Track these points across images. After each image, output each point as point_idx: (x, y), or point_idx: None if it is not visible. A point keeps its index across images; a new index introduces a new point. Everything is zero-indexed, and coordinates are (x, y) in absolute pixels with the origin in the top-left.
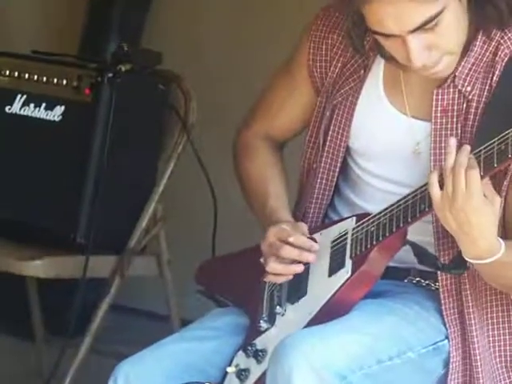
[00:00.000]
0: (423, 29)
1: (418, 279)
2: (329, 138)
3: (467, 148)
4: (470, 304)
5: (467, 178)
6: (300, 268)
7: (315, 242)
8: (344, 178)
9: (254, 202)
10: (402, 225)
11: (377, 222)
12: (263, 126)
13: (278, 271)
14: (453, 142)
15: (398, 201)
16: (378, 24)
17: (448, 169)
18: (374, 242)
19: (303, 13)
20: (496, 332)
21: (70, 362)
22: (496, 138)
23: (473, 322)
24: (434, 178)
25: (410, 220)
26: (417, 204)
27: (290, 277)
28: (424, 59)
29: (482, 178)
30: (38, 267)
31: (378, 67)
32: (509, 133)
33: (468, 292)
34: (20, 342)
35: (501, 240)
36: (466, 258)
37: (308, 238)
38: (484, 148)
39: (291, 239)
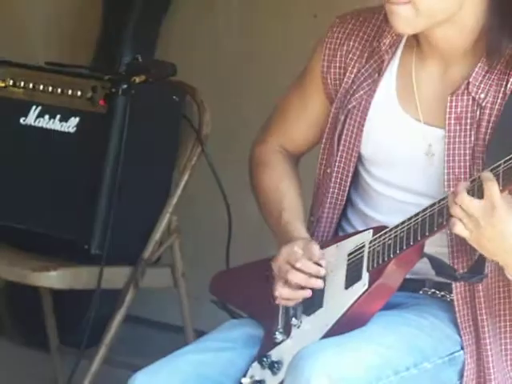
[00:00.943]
0: None
1: (433, 290)
2: (342, 142)
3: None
4: (484, 311)
5: (486, 191)
6: (307, 293)
7: (322, 267)
8: (356, 188)
9: (269, 215)
10: (419, 238)
11: (394, 234)
12: (278, 139)
13: (285, 296)
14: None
15: (416, 214)
16: None
17: (450, 202)
18: (392, 255)
19: (317, 26)
20: (509, 340)
21: (84, 373)
22: None
23: (486, 329)
24: (456, 214)
25: (427, 233)
26: (434, 217)
27: (299, 300)
28: None
29: (502, 191)
30: (53, 278)
31: (392, 71)
32: None
33: (482, 299)
34: (35, 352)
35: None
36: (510, 277)
37: (315, 263)
38: (504, 162)
39: (298, 265)
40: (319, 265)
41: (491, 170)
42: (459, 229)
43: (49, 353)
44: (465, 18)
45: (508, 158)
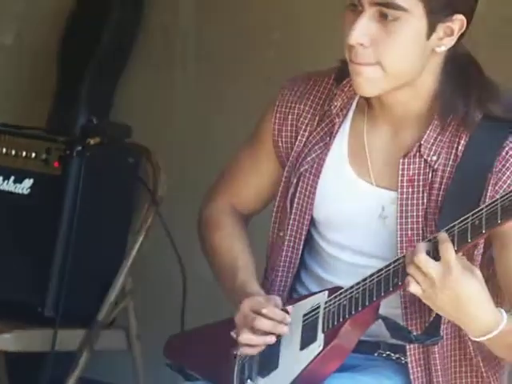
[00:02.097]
0: (381, 11)
1: (387, 353)
2: (295, 205)
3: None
4: (440, 373)
5: (442, 253)
6: (272, 339)
7: (288, 313)
8: (309, 251)
9: (222, 277)
10: (374, 298)
11: (349, 295)
12: (228, 200)
13: (251, 342)
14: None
15: (371, 275)
16: None
17: (407, 263)
18: (347, 316)
19: (270, 83)
20: None
21: None
22: (470, 213)
23: None
24: (412, 273)
25: (382, 294)
26: (390, 278)
27: (262, 347)
28: (360, 39)
29: (456, 252)
30: (7, 340)
31: (343, 134)
32: (482, 208)
33: (437, 362)
34: None
35: (500, 309)
36: (475, 339)
37: (282, 309)
38: (458, 223)
39: (264, 311)
40: (286, 311)
41: (446, 231)
42: (414, 288)
43: None
44: (423, 82)
45: (462, 218)
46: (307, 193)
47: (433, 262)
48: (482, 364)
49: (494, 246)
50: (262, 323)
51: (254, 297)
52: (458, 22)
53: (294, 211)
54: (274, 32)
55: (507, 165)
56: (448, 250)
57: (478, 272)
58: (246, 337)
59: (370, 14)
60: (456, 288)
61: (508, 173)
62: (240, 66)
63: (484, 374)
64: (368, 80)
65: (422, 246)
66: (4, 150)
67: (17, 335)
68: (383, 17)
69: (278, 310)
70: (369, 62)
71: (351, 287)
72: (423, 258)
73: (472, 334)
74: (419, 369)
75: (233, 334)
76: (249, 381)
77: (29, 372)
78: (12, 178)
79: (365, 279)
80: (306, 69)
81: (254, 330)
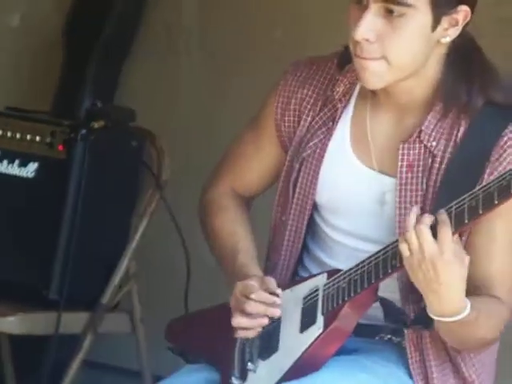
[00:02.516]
0: (387, 7)
1: (389, 336)
2: (297, 190)
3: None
4: (432, 357)
5: (439, 233)
6: (264, 321)
7: (277, 296)
8: (312, 235)
9: (223, 259)
10: (373, 281)
11: (348, 278)
12: (229, 183)
13: (243, 325)
14: (415, 209)
15: (369, 257)
16: None
17: (411, 226)
18: (346, 298)
19: (281, 64)
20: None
21: None
22: (467, 195)
23: (434, 375)
24: (408, 238)
25: (381, 276)
26: (388, 260)
27: (259, 330)
28: (366, 35)
29: (453, 234)
30: (11, 323)
31: (346, 120)
32: (479, 189)
33: (428, 345)
34: None
35: (466, 299)
36: (430, 315)
37: (270, 293)
38: (455, 204)
39: (252, 296)
40: (275, 294)
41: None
42: (404, 250)
43: None
44: (427, 71)
45: (459, 200)
46: (310, 178)
47: (432, 238)
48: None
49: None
50: (252, 307)
51: (247, 280)
52: (463, 12)
53: (296, 196)
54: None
55: (504, 155)
56: (445, 232)
57: (467, 259)
58: (237, 320)
59: (375, 10)
60: (440, 271)
61: (505, 163)
62: (245, 51)
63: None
64: (374, 74)
65: (428, 219)
66: (9, 134)
67: (21, 318)
68: (389, 12)
69: (266, 293)
70: (374, 57)
71: (350, 269)
72: (425, 231)
73: (431, 311)
74: (416, 353)
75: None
76: (249, 364)
77: (33, 355)
78: (17, 161)
79: (363, 261)
80: (313, 53)
81: (246, 314)
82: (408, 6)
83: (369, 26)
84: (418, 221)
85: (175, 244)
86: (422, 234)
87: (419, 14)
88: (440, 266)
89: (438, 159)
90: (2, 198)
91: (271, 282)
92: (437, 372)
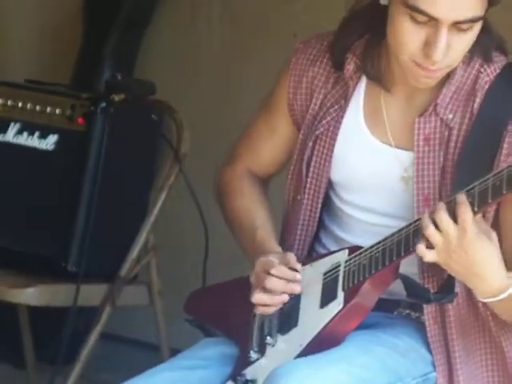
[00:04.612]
0: (460, 27)
1: (407, 311)
2: (311, 169)
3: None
4: (454, 331)
5: (459, 215)
6: (285, 298)
7: (298, 272)
8: (327, 211)
9: (241, 238)
10: (394, 258)
11: (369, 255)
12: (245, 163)
13: (263, 302)
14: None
15: (391, 234)
16: (431, 3)
17: (426, 219)
18: (367, 275)
19: (301, 37)
20: (484, 362)
21: None
22: (491, 174)
23: (456, 349)
24: (427, 221)
25: (402, 254)
26: (410, 238)
27: (279, 306)
28: (443, 55)
29: (476, 213)
30: (30, 295)
31: (358, 97)
32: (504, 169)
33: (452, 319)
34: (11, 369)
35: (510, 274)
36: (481, 299)
37: (290, 268)
38: (479, 183)
39: (273, 271)
40: (295, 270)
41: (466, 192)
42: (431, 242)
43: (24, 369)
44: None
45: (483, 179)
46: (324, 155)
47: (452, 222)
48: (491, 320)
49: (501, 207)
50: (273, 283)
51: (268, 256)
52: None
53: (310, 174)
54: None
55: None
56: (465, 211)
57: (495, 235)
58: (258, 297)
59: (448, 29)
60: (469, 250)
61: None
62: (265, 25)
63: (493, 329)
64: (435, 80)
65: (443, 206)
66: (29, 106)
67: (40, 290)
68: (460, 29)
69: (287, 269)
70: (441, 68)
71: (371, 246)
72: (445, 217)
73: (479, 295)
74: (436, 326)
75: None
76: (268, 338)
77: (51, 327)
78: (37, 133)
79: (385, 239)
80: (334, 26)
81: (266, 290)
82: (479, 19)
83: (444, 46)
84: (432, 212)
85: (193, 217)
86: (443, 221)
87: (481, 20)
88: (467, 245)
89: (455, 132)
90: (22, 170)
91: (292, 257)
92: (462, 345)
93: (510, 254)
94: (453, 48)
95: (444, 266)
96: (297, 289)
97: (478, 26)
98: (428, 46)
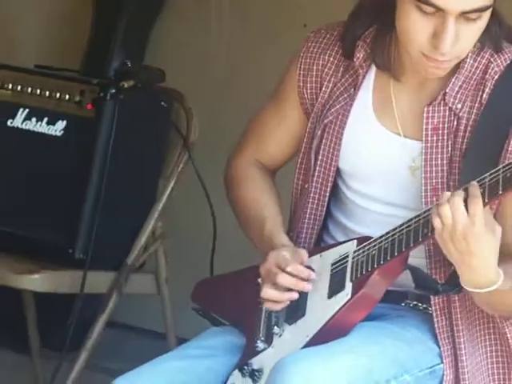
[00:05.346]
0: (467, 17)
1: (415, 303)
2: (319, 157)
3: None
4: (460, 322)
5: (470, 206)
6: (295, 296)
7: (313, 270)
8: (335, 201)
9: (250, 229)
10: (403, 249)
11: (378, 245)
12: (254, 154)
13: (273, 298)
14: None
15: (401, 225)
16: None
17: (444, 199)
18: (375, 266)
19: (309, 30)
20: (489, 354)
21: (65, 377)
22: (501, 166)
23: (462, 340)
24: (444, 200)
25: (412, 244)
26: (419, 228)
27: (287, 303)
28: (450, 46)
29: (486, 205)
30: (36, 281)
31: (368, 85)
32: None
33: (458, 310)
34: (16, 355)
35: (499, 269)
36: (465, 287)
37: (306, 266)
38: (489, 175)
39: (289, 269)
40: (310, 268)
41: (478, 182)
42: (437, 224)
43: (30, 356)
44: None
45: (494, 170)
46: (332, 144)
47: (465, 211)
48: None
49: (501, 201)
50: (285, 280)
51: (280, 250)
52: None
53: (318, 163)
54: None
55: None
56: (476, 204)
57: (499, 230)
58: (268, 292)
59: (456, 19)
60: (471, 243)
61: None
62: (276, 11)
63: (498, 321)
64: (445, 70)
65: (461, 193)
66: (38, 91)
67: (46, 276)
68: (468, 19)
69: (302, 267)
70: (449, 59)
71: (380, 237)
72: (459, 202)
73: (465, 283)
74: (443, 317)
75: (260, 281)
76: (276, 327)
77: (57, 313)
78: (45, 119)
79: (394, 229)
80: (345, 15)
81: (277, 286)
82: (487, 8)
83: (452, 37)
84: (450, 194)
85: (202, 205)
86: (455, 204)
87: (489, 9)
88: (471, 237)
89: (464, 121)
90: (30, 155)
91: (304, 254)
92: (467, 336)
93: (504, 248)
94: (461, 38)
95: (440, 245)
96: (307, 288)
97: (486, 16)
98: (436, 37)
